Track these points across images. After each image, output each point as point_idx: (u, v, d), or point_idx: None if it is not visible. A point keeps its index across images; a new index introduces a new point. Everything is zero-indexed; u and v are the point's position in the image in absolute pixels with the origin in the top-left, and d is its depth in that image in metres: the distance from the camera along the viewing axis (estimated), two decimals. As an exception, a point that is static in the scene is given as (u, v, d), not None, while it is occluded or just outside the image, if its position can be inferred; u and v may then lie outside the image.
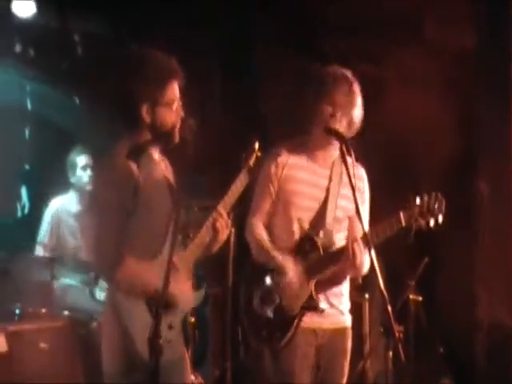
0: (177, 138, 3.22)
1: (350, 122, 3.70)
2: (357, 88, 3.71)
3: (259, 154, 3.46)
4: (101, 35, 6.31)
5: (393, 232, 3.61)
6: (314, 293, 3.69)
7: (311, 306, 3.69)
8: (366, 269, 3.66)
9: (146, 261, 3.15)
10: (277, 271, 3.72)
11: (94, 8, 6.01)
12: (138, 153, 3.16)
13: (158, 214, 3.20)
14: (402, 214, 3.60)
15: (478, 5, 5.69)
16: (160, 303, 2.87)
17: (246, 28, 6.33)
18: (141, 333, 3.00)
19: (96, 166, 5.67)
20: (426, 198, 3.61)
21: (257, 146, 3.46)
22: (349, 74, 3.73)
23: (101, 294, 5.22)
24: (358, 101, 3.71)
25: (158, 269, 3.03)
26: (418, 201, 3.61)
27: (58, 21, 6.20)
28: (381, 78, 5.68)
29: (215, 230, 3.30)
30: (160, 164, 3.31)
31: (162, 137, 3.23)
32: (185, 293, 3.25)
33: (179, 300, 3.16)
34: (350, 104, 3.68)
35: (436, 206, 3.60)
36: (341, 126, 3.66)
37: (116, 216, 3.09)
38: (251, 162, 3.42)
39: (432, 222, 3.60)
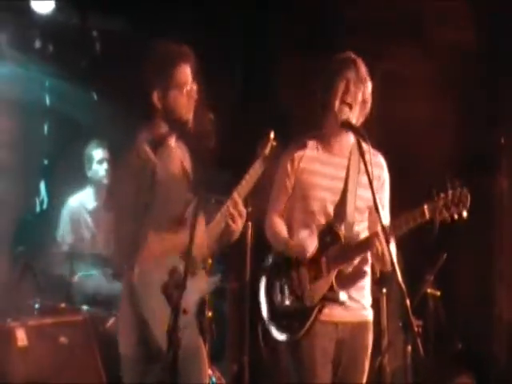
0: (190, 122, 3.24)
1: (364, 100, 3.70)
2: (365, 69, 3.71)
3: (274, 143, 3.45)
4: (119, 32, 6.35)
5: (416, 224, 3.52)
6: (334, 284, 3.67)
7: (331, 297, 3.67)
8: (394, 258, 3.32)
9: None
10: (293, 250, 3.70)
11: (113, 5, 6.04)
12: (155, 143, 3.19)
13: (174, 200, 3.23)
14: (425, 206, 3.51)
15: (478, 5, 5.65)
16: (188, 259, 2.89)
17: (264, 26, 6.34)
18: (158, 322, 3.02)
19: (114, 159, 5.71)
20: (450, 191, 3.49)
21: (272, 135, 3.45)
22: (356, 57, 3.74)
23: (119, 285, 5.24)
24: (367, 79, 3.70)
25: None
26: (442, 194, 3.50)
27: (77, 18, 6.25)
28: (403, 77, 5.67)
29: (230, 218, 3.29)
30: (176, 151, 3.34)
31: (175, 122, 3.24)
32: (199, 277, 3.26)
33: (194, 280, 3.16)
34: (361, 80, 3.67)
35: (461, 199, 3.48)
36: (356, 102, 3.66)
37: (135, 204, 3.11)
38: (266, 151, 3.41)
39: (456, 216, 3.48)
